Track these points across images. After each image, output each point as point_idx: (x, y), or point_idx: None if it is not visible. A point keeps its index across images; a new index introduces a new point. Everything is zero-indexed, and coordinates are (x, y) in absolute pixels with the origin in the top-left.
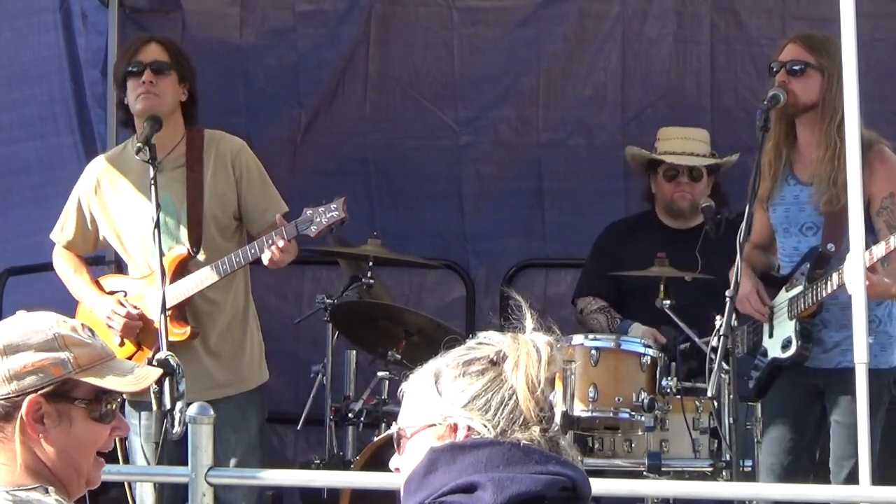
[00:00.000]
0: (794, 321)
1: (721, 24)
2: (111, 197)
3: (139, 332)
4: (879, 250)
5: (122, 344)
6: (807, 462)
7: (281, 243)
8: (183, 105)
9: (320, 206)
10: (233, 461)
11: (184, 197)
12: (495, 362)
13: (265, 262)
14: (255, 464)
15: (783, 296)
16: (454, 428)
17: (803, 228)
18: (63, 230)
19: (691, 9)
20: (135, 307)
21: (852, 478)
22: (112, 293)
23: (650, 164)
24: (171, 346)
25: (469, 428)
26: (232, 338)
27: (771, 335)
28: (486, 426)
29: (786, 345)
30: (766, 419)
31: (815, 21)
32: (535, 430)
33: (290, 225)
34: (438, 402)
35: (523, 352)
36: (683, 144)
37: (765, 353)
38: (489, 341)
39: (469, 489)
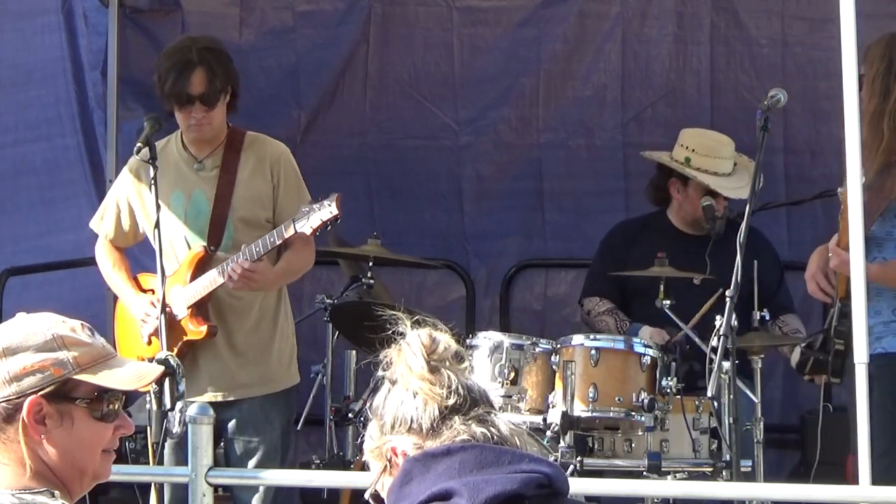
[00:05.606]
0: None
1: (721, 24)
2: (147, 191)
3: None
4: None
5: (149, 343)
6: None
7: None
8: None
9: (315, 202)
10: (252, 462)
11: (213, 196)
12: (393, 380)
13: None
14: (275, 467)
15: None
16: (389, 457)
17: None
18: (103, 220)
19: (691, 9)
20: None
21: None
22: (146, 291)
23: (672, 170)
24: (194, 342)
25: (394, 450)
26: (259, 337)
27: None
28: (409, 438)
29: None
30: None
31: (816, 21)
32: (457, 419)
33: (287, 223)
34: (380, 439)
35: (404, 355)
36: (717, 164)
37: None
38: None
39: (445, 496)
